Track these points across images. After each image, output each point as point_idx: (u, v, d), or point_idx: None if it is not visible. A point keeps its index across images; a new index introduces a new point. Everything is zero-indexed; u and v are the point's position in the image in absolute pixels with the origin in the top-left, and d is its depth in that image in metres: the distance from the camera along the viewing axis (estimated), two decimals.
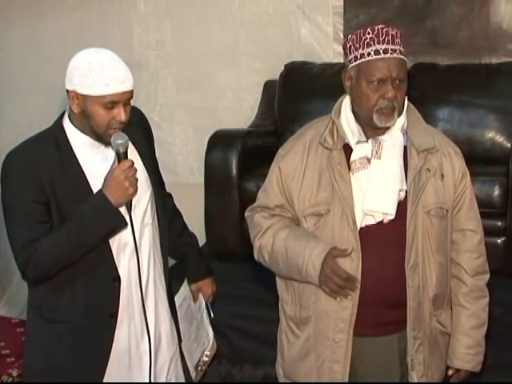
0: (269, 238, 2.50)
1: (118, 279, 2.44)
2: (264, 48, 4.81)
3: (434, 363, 2.53)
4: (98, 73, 2.32)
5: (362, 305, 2.40)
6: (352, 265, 2.39)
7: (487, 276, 2.59)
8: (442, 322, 2.53)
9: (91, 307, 2.43)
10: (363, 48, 2.36)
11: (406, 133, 2.47)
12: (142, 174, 2.46)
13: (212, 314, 2.84)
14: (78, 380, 2.47)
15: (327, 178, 2.43)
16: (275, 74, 4.69)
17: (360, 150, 2.42)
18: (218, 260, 4.15)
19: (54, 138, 2.42)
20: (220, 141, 4.25)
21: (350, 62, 2.40)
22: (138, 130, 2.55)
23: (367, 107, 2.39)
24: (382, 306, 2.42)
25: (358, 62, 2.37)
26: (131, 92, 2.38)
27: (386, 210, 2.39)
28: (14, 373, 4.32)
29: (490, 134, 4.29)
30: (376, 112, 2.38)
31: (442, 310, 2.53)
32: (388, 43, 2.35)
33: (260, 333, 3.43)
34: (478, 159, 3.78)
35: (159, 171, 2.67)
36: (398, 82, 2.36)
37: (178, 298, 2.70)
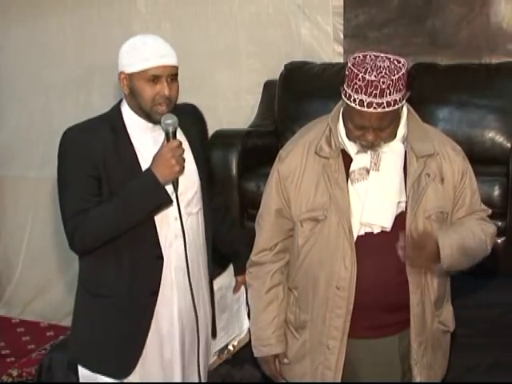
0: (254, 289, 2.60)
1: (161, 258, 2.54)
2: (264, 48, 4.81)
3: (436, 363, 2.54)
4: (140, 51, 2.48)
5: (360, 310, 2.39)
6: (346, 273, 2.39)
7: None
8: (444, 322, 2.54)
9: (134, 283, 2.54)
10: (352, 90, 2.28)
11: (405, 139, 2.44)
12: (191, 166, 2.59)
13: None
14: (118, 356, 2.57)
15: (323, 184, 2.42)
16: (275, 74, 4.69)
17: (359, 161, 2.39)
18: None
19: (111, 120, 2.57)
20: (220, 141, 4.24)
21: (343, 89, 2.33)
22: (192, 124, 2.68)
23: (351, 137, 2.38)
24: (382, 311, 2.41)
25: (346, 100, 2.31)
26: (174, 67, 2.51)
27: (383, 224, 2.38)
28: (14, 373, 4.33)
29: (490, 134, 4.28)
30: (358, 143, 2.37)
31: (443, 309, 2.53)
32: (375, 97, 2.25)
33: None
34: (478, 159, 3.76)
35: (210, 168, 2.78)
36: (380, 128, 2.32)
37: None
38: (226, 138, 4.29)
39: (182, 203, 2.55)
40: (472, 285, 3.55)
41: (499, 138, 4.27)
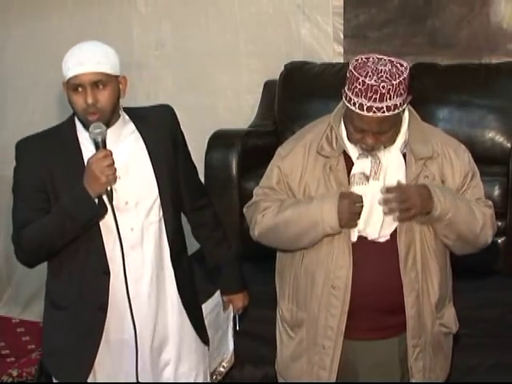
0: (273, 209, 2.47)
1: (108, 273, 2.47)
2: (264, 48, 4.81)
3: (438, 365, 2.53)
4: (66, 60, 2.43)
5: (359, 312, 2.40)
6: (341, 272, 2.39)
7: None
8: (446, 324, 2.53)
9: (84, 297, 2.49)
10: (352, 93, 2.28)
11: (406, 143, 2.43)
12: (146, 173, 2.50)
13: (238, 327, 2.88)
14: (71, 366, 2.53)
15: (324, 184, 2.42)
16: (275, 74, 4.69)
17: (360, 166, 2.39)
18: None
19: (63, 132, 2.50)
20: (220, 141, 4.24)
21: (344, 91, 2.34)
22: (158, 128, 2.56)
23: (351, 139, 2.38)
24: (381, 313, 2.42)
25: (346, 103, 2.31)
26: (95, 74, 2.40)
27: (379, 235, 2.39)
28: (14, 373, 4.32)
29: (490, 134, 4.28)
30: (359, 146, 2.37)
31: (445, 310, 2.53)
32: (374, 101, 2.25)
33: (260, 333, 3.43)
34: (478, 159, 3.76)
35: (196, 178, 2.74)
36: (380, 132, 2.32)
37: (208, 305, 2.74)
38: (225, 138, 4.28)
39: (139, 213, 2.49)
40: (472, 285, 3.55)
41: (499, 138, 4.27)
